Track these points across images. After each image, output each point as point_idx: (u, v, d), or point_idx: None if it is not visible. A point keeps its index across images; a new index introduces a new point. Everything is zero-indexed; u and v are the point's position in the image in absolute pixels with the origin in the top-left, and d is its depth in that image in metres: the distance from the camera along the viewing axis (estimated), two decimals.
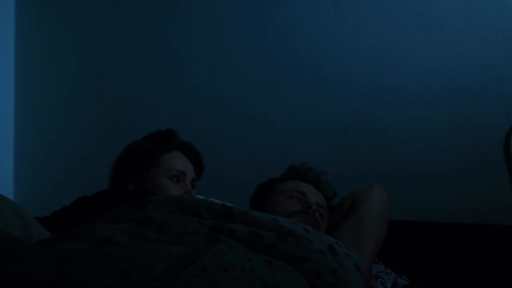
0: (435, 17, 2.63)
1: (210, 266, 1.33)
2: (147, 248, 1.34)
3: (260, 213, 1.69)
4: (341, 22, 2.72)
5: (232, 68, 2.83)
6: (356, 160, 2.64)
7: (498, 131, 2.52)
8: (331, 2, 2.73)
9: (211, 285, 1.24)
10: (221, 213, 1.67)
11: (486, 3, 2.58)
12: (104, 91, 2.97)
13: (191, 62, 2.87)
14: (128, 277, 1.19)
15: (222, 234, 1.56)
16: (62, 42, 3.03)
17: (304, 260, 1.54)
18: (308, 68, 2.74)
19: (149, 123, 2.69)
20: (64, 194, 2.68)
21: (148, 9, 2.93)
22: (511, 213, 2.46)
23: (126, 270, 1.21)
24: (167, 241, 1.45)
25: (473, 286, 2.27)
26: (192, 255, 1.35)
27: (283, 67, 2.76)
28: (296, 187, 2.01)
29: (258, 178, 2.19)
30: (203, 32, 2.85)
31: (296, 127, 2.73)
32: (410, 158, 2.61)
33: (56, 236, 1.51)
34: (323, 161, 2.34)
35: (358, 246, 1.85)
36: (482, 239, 2.36)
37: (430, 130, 2.60)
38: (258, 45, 2.80)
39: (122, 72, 2.95)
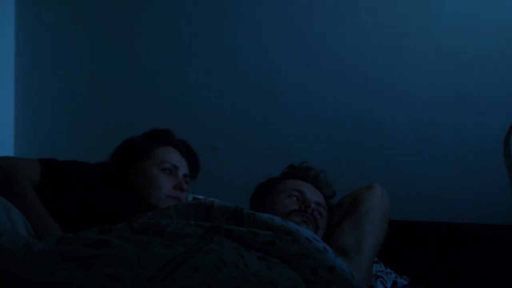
0: (435, 17, 2.63)
1: (201, 266, 1.33)
2: (138, 251, 1.34)
3: (267, 216, 1.70)
4: (341, 22, 2.72)
5: (232, 68, 2.83)
6: (356, 160, 2.64)
7: (498, 131, 2.53)
8: (331, 2, 2.73)
9: (209, 284, 1.24)
10: (232, 214, 1.68)
11: (486, 3, 2.58)
12: (104, 91, 2.97)
13: (191, 62, 2.87)
14: (118, 281, 1.19)
15: (218, 235, 1.56)
16: (62, 41, 3.03)
17: (301, 257, 1.54)
18: (308, 68, 2.74)
19: (149, 123, 2.70)
20: None
21: (148, 9, 2.93)
22: (511, 213, 2.46)
23: (116, 273, 1.21)
24: (159, 244, 1.45)
25: (473, 286, 2.27)
26: (183, 256, 1.36)
27: (283, 67, 2.76)
28: (295, 186, 2.01)
29: (258, 178, 2.19)
30: (203, 32, 2.86)
31: (296, 127, 2.74)
32: (410, 158, 2.61)
33: (48, 238, 1.52)
34: (323, 161, 2.34)
35: (358, 246, 1.85)
36: (482, 239, 2.36)
37: (430, 130, 2.61)
38: (258, 45, 2.80)
39: (122, 72, 2.95)
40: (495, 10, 2.57)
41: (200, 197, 2.27)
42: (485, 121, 2.55)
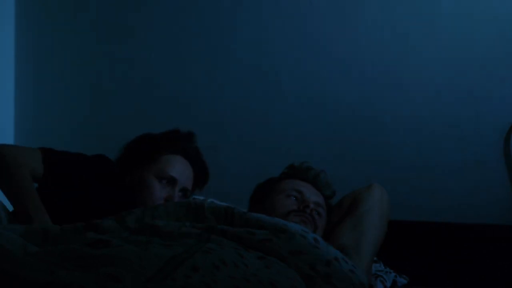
0: (435, 17, 2.63)
1: (200, 265, 1.34)
2: (137, 251, 1.35)
3: (259, 214, 1.71)
4: (341, 22, 2.72)
5: (232, 68, 2.83)
6: (356, 159, 2.64)
7: (498, 131, 2.53)
8: (331, 2, 2.73)
9: (208, 284, 1.24)
10: (222, 214, 1.69)
11: (486, 3, 2.58)
12: (104, 91, 2.97)
13: (191, 62, 2.87)
14: (118, 281, 1.19)
15: (214, 234, 1.57)
16: (62, 42, 3.03)
17: (298, 253, 1.55)
18: (308, 68, 2.74)
19: (148, 123, 2.70)
20: None
21: (148, 9, 2.93)
22: (511, 213, 2.46)
23: (116, 273, 1.22)
24: (159, 244, 1.46)
25: (473, 286, 2.27)
26: (182, 256, 1.36)
27: (283, 67, 2.76)
28: (294, 186, 2.02)
29: (258, 178, 2.19)
30: (202, 31, 2.86)
31: (296, 126, 2.74)
32: (410, 158, 2.61)
33: (47, 237, 1.52)
34: (323, 161, 2.34)
35: (357, 246, 1.86)
36: (482, 239, 2.36)
37: (430, 130, 2.61)
38: (258, 45, 2.80)
39: (121, 72, 2.95)
40: (495, 10, 2.57)
41: (200, 197, 2.27)
42: (485, 121, 2.55)
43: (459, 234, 2.39)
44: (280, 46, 2.78)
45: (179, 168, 2.10)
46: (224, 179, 2.69)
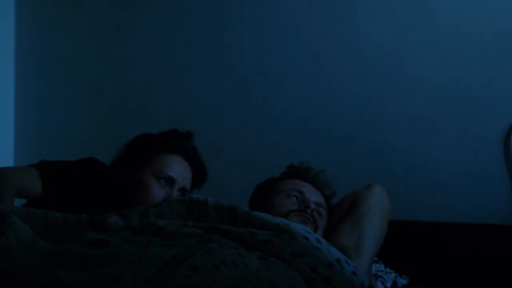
0: (436, 17, 2.63)
1: (201, 266, 1.34)
2: (137, 251, 1.35)
3: (262, 214, 1.71)
4: (341, 22, 2.72)
5: (232, 68, 2.83)
6: (356, 160, 2.64)
7: (498, 131, 2.53)
8: (331, 2, 2.73)
9: (208, 284, 1.24)
10: (226, 212, 1.69)
11: (486, 3, 2.58)
12: (103, 91, 2.97)
13: (191, 62, 2.87)
14: (118, 281, 1.19)
15: (215, 234, 1.57)
16: (62, 42, 3.03)
17: (299, 255, 1.55)
18: (308, 68, 2.74)
19: (148, 124, 2.70)
20: None
21: (148, 9, 2.93)
22: (511, 213, 2.46)
23: (116, 273, 1.22)
24: (159, 244, 1.46)
25: (473, 286, 2.27)
26: (182, 256, 1.36)
27: (283, 67, 2.76)
28: (295, 186, 2.02)
29: (258, 178, 2.19)
30: (203, 32, 2.86)
31: (296, 127, 2.74)
32: (410, 158, 2.61)
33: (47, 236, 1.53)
34: (323, 161, 2.34)
35: (357, 246, 1.86)
36: (482, 239, 2.36)
37: (430, 130, 2.61)
38: (258, 45, 2.80)
39: (121, 72, 2.95)
40: (496, 10, 2.57)
41: (200, 196, 2.27)
42: (485, 121, 2.55)
43: (459, 234, 2.39)
44: (280, 47, 2.77)
45: (177, 168, 2.11)
46: (225, 180, 2.69)
